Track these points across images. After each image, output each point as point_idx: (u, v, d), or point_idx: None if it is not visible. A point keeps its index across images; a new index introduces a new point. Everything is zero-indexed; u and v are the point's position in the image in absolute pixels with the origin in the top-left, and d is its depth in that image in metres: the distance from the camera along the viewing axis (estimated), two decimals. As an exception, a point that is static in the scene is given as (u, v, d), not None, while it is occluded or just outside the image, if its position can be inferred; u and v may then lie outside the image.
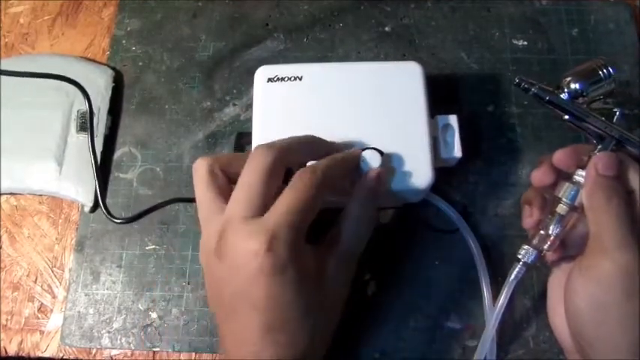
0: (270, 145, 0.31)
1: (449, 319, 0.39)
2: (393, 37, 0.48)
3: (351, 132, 0.36)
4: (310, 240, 0.31)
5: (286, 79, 0.38)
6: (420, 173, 0.35)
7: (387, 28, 0.48)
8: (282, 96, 0.38)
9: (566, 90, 0.33)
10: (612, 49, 0.46)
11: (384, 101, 0.37)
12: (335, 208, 0.34)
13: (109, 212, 0.39)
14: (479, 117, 0.44)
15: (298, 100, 0.38)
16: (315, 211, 0.30)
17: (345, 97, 0.38)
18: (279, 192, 0.30)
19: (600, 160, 0.31)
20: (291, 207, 0.29)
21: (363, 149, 0.35)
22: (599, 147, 0.32)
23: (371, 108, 0.37)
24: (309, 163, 0.33)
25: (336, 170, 0.32)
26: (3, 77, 0.46)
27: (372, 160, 0.34)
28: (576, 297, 0.30)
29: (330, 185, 0.31)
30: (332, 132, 0.36)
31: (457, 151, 0.38)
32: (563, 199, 0.32)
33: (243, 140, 0.44)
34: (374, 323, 0.38)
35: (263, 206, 0.29)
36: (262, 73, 0.39)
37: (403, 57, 0.47)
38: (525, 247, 0.34)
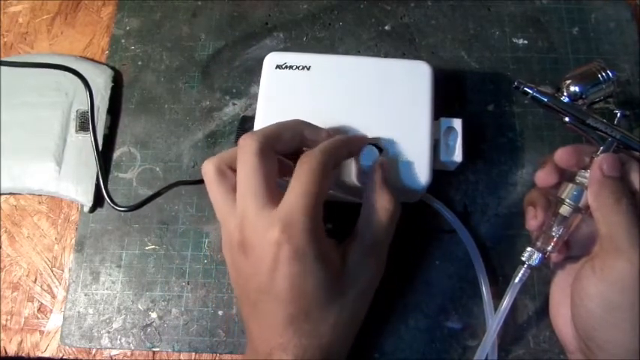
0: (253, 132, 0.31)
1: (449, 319, 0.39)
2: (393, 36, 0.47)
3: (353, 126, 0.36)
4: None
5: (294, 67, 0.38)
6: (417, 174, 0.35)
7: (386, 27, 0.48)
8: (289, 83, 0.38)
9: (565, 93, 0.33)
10: (613, 48, 0.46)
11: (390, 98, 0.37)
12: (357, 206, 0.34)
13: (112, 201, 0.38)
14: (479, 116, 0.44)
15: (304, 89, 0.38)
16: (324, 192, 0.30)
17: (351, 91, 0.38)
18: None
19: (605, 161, 0.31)
20: (300, 192, 0.29)
21: None
22: (602, 148, 0.32)
23: (376, 104, 0.37)
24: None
25: (338, 150, 0.33)
26: (3, 79, 0.46)
27: (371, 155, 0.34)
28: (587, 299, 0.30)
29: (333, 163, 0.32)
30: (333, 124, 0.36)
31: (457, 156, 0.38)
32: (567, 200, 0.32)
33: (246, 125, 0.44)
34: (374, 323, 0.38)
35: (268, 193, 0.30)
36: (271, 59, 0.39)
37: (403, 56, 0.47)
38: (529, 249, 0.33)
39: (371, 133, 0.36)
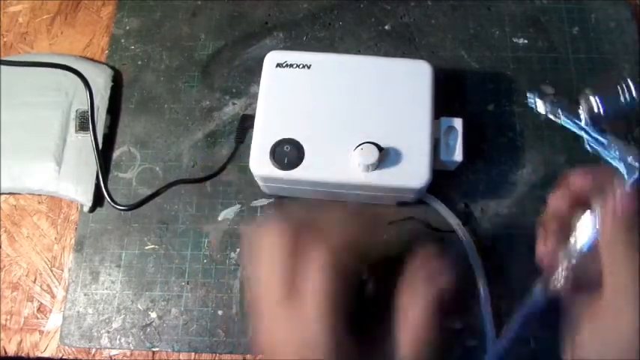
0: (281, 228, 0.27)
1: (449, 319, 0.39)
2: (393, 36, 0.47)
3: (353, 124, 0.36)
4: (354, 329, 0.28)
5: (295, 65, 0.38)
6: (417, 173, 0.35)
7: (386, 27, 0.48)
8: (289, 82, 0.38)
9: (582, 109, 0.29)
10: (613, 48, 0.46)
11: (390, 97, 0.37)
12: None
13: (112, 200, 0.38)
14: (479, 116, 0.44)
15: (304, 88, 0.38)
16: (342, 288, 0.27)
17: (351, 90, 0.38)
18: None
19: (620, 203, 0.26)
20: (317, 294, 0.26)
21: (363, 143, 0.35)
22: (623, 176, 0.27)
23: (376, 103, 0.37)
24: None
25: (350, 243, 0.29)
26: (3, 79, 0.46)
27: (370, 154, 0.34)
28: (586, 353, 0.27)
29: (348, 256, 0.28)
30: (333, 123, 0.36)
31: (457, 155, 0.38)
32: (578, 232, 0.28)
33: (246, 123, 0.44)
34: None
35: (290, 283, 0.26)
36: (272, 58, 0.39)
37: (403, 55, 0.47)
38: (538, 282, 0.30)
39: (371, 132, 0.36)
